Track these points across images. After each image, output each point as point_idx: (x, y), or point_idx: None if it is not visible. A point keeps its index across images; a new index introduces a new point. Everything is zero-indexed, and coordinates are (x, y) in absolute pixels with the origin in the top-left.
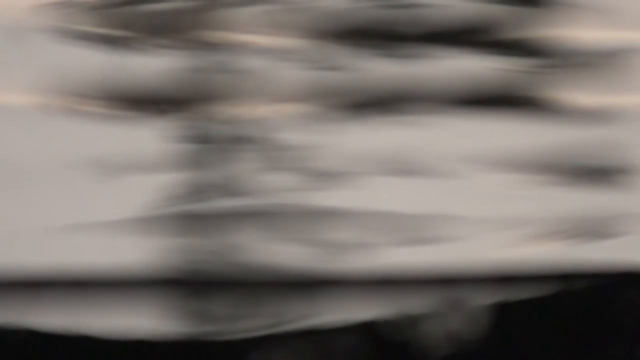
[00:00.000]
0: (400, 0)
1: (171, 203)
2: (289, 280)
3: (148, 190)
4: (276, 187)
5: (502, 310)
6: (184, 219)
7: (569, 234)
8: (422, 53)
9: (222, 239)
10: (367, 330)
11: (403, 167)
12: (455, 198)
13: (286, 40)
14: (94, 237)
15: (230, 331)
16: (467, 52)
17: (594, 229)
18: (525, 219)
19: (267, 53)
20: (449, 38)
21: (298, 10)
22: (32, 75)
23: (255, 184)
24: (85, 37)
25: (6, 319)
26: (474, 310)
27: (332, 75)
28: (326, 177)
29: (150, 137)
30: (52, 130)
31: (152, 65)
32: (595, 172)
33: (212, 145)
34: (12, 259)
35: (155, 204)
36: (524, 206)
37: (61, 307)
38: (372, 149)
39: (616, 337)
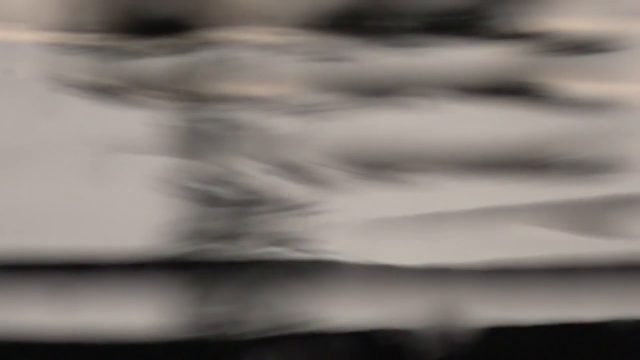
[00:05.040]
0: None
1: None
2: (289, 267)
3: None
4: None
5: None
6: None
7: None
8: (419, 43)
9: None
10: (361, 335)
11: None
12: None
13: (282, 34)
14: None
15: (228, 332)
16: (463, 41)
17: (589, 221)
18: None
19: (264, 47)
20: (445, 27)
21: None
22: None
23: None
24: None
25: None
26: (467, 316)
27: (332, 66)
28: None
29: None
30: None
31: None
32: (588, 164)
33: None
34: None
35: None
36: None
37: (56, 294)
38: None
39: None
